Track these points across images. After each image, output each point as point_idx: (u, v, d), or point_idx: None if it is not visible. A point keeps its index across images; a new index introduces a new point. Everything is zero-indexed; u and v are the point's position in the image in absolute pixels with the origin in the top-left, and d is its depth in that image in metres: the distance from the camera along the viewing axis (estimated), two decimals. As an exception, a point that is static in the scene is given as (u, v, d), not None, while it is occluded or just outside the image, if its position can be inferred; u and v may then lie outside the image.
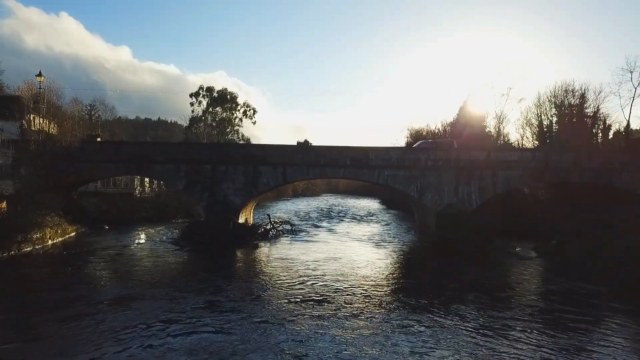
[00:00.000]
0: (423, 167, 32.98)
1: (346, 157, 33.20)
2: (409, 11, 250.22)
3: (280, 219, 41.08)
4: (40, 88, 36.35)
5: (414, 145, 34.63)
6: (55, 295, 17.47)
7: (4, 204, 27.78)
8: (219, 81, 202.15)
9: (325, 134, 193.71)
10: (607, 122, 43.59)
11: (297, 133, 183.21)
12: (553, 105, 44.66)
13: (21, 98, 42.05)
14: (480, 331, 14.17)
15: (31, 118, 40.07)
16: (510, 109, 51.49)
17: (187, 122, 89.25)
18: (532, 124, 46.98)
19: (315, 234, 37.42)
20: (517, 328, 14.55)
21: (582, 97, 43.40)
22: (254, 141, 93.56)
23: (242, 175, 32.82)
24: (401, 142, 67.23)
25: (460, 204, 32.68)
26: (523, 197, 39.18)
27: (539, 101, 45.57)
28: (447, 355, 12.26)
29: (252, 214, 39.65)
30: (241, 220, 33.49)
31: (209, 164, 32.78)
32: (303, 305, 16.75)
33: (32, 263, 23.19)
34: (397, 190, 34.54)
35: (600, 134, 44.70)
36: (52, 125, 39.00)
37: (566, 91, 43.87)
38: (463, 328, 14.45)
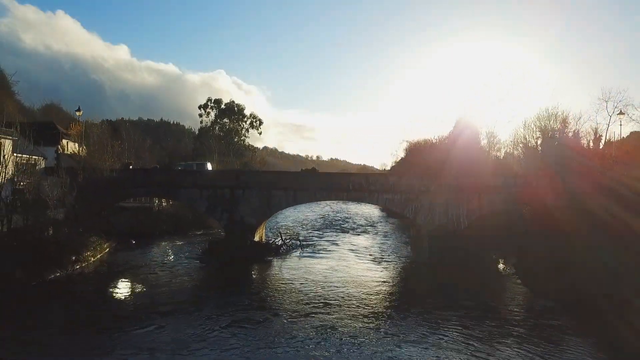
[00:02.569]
0: (417, 191, 37.27)
1: (349, 182, 37.59)
2: (413, 12, 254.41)
3: (289, 234, 45.41)
4: (79, 119, 40.86)
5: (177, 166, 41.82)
6: (123, 308, 22.75)
7: (50, 228, 32.13)
8: (219, 80, 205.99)
9: (327, 134, 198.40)
10: (597, 133, 48.08)
11: (297, 133, 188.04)
12: (538, 129, 49.17)
13: (55, 124, 46.78)
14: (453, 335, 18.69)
15: (65, 143, 44.69)
16: (501, 124, 55.95)
17: (197, 131, 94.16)
18: (518, 144, 51.75)
19: (320, 248, 41.60)
20: (474, 335, 19.01)
21: (564, 121, 47.86)
22: (254, 143, 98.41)
23: (257, 199, 37.15)
24: (400, 153, 71.90)
25: (450, 224, 36.99)
26: (510, 214, 43.40)
27: (524, 124, 50.28)
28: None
29: (264, 230, 44.02)
30: (256, 238, 37.85)
31: (228, 189, 37.11)
32: (314, 307, 22.48)
33: (87, 280, 27.85)
34: (395, 211, 38.94)
35: (592, 145, 49.14)
36: (81, 149, 43.60)
37: (549, 116, 48.39)
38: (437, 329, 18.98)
